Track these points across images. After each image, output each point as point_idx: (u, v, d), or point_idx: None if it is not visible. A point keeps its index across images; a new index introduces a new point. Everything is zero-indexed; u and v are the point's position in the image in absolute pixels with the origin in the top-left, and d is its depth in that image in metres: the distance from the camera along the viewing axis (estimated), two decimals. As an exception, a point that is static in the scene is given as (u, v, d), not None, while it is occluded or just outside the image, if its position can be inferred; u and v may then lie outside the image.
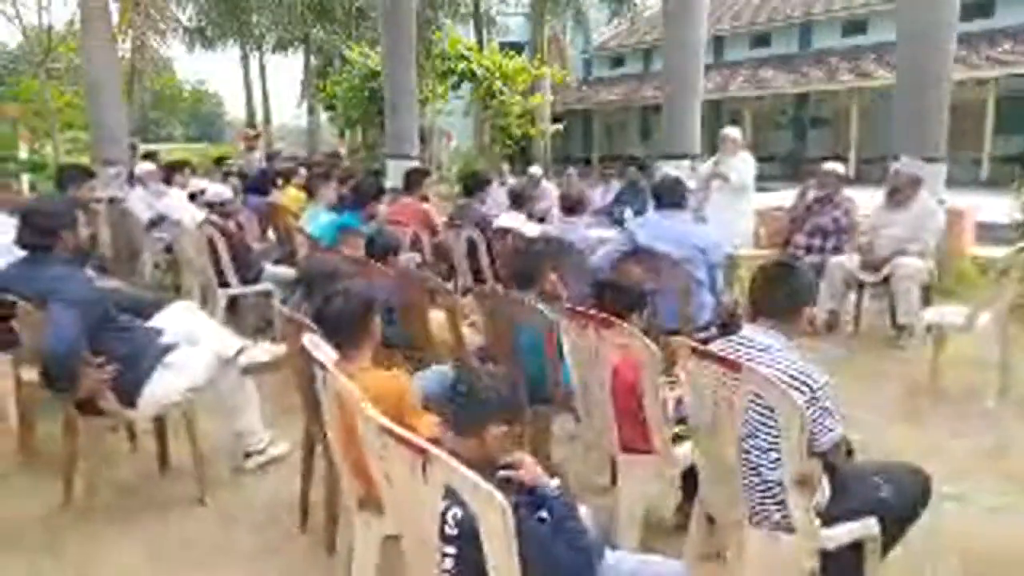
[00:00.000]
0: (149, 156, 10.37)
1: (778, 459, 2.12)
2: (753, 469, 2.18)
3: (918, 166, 5.77)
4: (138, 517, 3.12)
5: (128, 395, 3.04)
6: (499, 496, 1.50)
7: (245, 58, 27.76)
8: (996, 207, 8.41)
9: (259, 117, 28.19)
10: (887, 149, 7.21)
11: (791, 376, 2.12)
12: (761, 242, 7.10)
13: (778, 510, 2.16)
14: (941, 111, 6.90)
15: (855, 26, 20.46)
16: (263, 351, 3.81)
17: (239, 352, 3.42)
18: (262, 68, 28.22)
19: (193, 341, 3.33)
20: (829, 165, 6.17)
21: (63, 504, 3.15)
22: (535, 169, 10.57)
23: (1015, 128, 16.77)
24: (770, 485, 2.16)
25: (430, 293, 3.77)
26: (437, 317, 3.77)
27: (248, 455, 3.52)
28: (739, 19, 23.45)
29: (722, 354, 2.24)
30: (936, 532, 2.75)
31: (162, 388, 3.11)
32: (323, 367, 2.27)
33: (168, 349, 3.19)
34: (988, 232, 8.11)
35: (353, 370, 2.32)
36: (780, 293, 2.34)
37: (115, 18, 13.62)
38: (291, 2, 22.55)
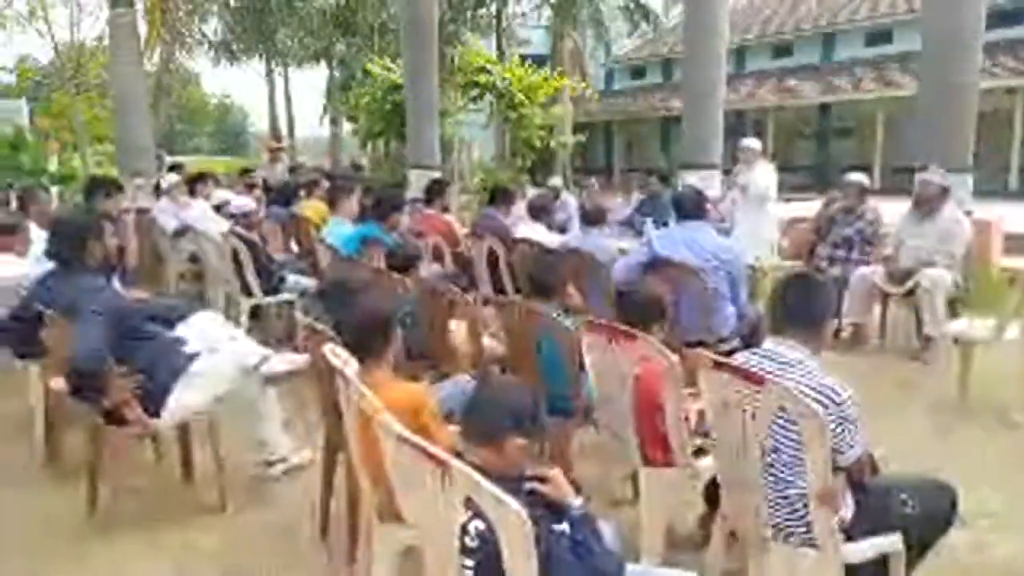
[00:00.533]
0: (176, 168, 10.54)
1: (801, 474, 2.09)
2: (776, 484, 2.15)
3: (943, 175, 5.69)
4: (161, 525, 3.15)
5: (153, 404, 3.08)
6: (520, 509, 1.49)
7: (269, 72, 28.14)
8: (1024, 217, 8.29)
9: (283, 130, 28.54)
10: (913, 159, 7.13)
11: (815, 390, 2.09)
12: (784, 253, 7.04)
13: (801, 525, 2.14)
14: (968, 121, 6.82)
15: (879, 35, 20.28)
16: (285, 361, 3.84)
17: (262, 361, 3.45)
18: (286, 81, 28.62)
19: (216, 351, 3.37)
20: (853, 176, 6.10)
21: (88, 512, 3.19)
22: (556, 180, 10.58)
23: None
24: (793, 500, 2.13)
25: (451, 304, 3.78)
26: (458, 328, 3.78)
27: (270, 463, 3.55)
28: (761, 29, 23.37)
29: (744, 367, 2.22)
30: (962, 548, 2.70)
31: (186, 397, 3.14)
32: (344, 378, 2.29)
33: (192, 359, 3.23)
34: (1016, 243, 7.98)
35: (374, 381, 2.33)
36: (803, 306, 2.32)
37: (143, 33, 13.86)
38: (315, 17, 22.84)
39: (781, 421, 2.10)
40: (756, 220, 7.02)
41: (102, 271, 3.38)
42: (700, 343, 3.85)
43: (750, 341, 3.65)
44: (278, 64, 27.64)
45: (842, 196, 6.05)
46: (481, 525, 1.62)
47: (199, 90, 43.11)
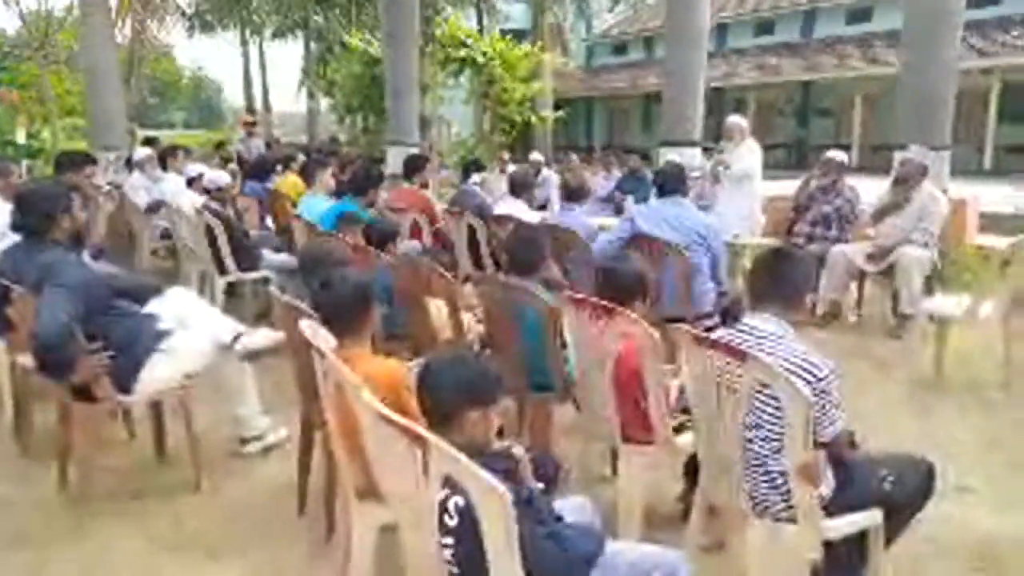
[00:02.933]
0: (151, 142, 10.31)
1: (782, 449, 2.09)
2: (756, 459, 2.15)
3: (925, 154, 5.72)
4: (134, 503, 3.10)
5: (124, 381, 3.02)
6: (500, 486, 1.47)
7: (245, 44, 27.63)
8: (999, 196, 8.37)
9: (259, 103, 28.10)
10: (891, 138, 7.16)
11: (795, 365, 2.08)
12: (764, 230, 7.05)
13: (781, 500, 2.14)
14: (947, 99, 6.85)
15: (860, 13, 20.31)
16: (261, 337, 3.77)
17: (236, 338, 3.39)
18: (262, 54, 28.12)
19: (190, 327, 3.30)
20: (832, 153, 6.12)
21: (58, 491, 3.13)
22: (536, 156, 10.52)
23: (1020, 117, 16.67)
24: (773, 475, 2.13)
25: (429, 280, 3.73)
26: (437, 305, 3.73)
27: (246, 441, 3.51)
28: (743, 6, 23.30)
29: (725, 342, 2.20)
30: (939, 523, 2.73)
31: (158, 374, 3.08)
32: (322, 354, 2.24)
33: (165, 335, 3.16)
34: (990, 222, 8.06)
35: (352, 357, 2.28)
36: (779, 279, 2.30)
37: (114, 3, 13.51)
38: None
39: (762, 396, 2.09)
40: (738, 198, 7.00)
41: (71, 245, 3.29)
42: (680, 319, 3.84)
43: (730, 317, 3.65)
44: (254, 36, 27.13)
45: (820, 174, 6.06)
46: (461, 502, 1.60)
47: (172, 62, 42.24)
